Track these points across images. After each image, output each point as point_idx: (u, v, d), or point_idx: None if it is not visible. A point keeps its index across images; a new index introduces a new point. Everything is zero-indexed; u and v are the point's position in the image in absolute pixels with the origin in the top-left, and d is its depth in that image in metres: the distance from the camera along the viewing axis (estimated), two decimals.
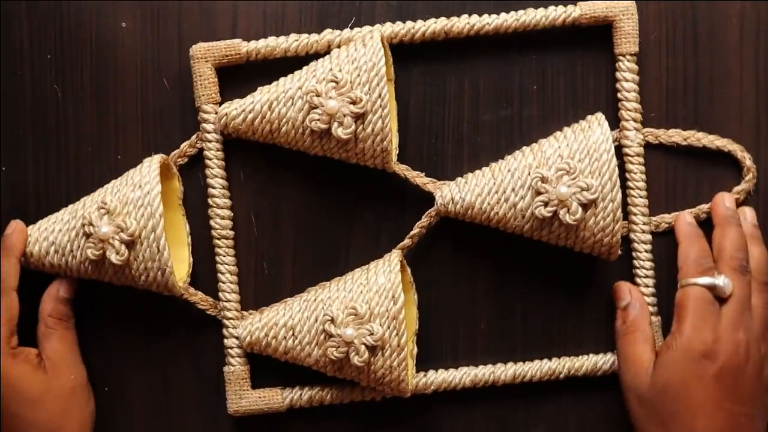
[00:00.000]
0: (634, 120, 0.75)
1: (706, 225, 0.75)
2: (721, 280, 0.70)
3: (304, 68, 0.72)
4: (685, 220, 0.74)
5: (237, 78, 0.75)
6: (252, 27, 0.75)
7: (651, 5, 0.75)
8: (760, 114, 0.76)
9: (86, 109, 0.76)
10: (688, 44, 0.76)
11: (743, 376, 0.68)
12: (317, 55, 0.74)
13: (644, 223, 0.75)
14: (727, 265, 0.70)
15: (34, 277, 0.73)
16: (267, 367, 0.75)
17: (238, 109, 0.72)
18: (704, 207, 0.75)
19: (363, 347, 0.70)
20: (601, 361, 0.75)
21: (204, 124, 0.74)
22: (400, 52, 0.74)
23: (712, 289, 0.70)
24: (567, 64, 0.76)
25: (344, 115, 0.70)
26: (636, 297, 0.74)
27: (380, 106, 0.70)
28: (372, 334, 0.70)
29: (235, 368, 0.75)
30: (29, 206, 0.74)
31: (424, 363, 0.76)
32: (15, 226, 0.72)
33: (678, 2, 0.76)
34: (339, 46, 0.73)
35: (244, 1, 0.75)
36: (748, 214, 0.74)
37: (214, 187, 0.75)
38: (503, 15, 0.74)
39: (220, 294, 0.75)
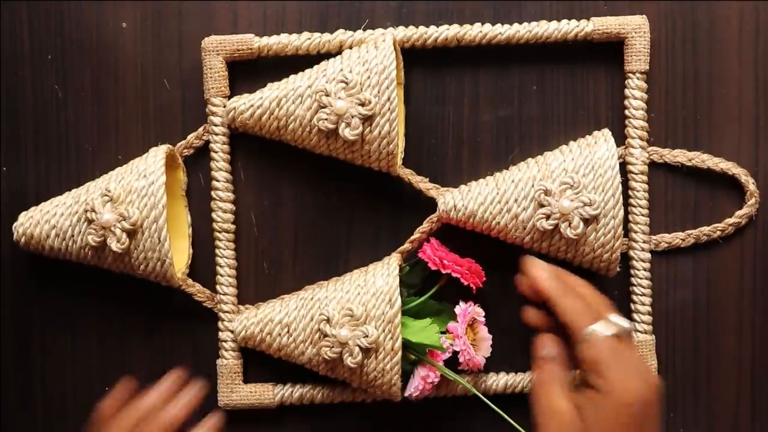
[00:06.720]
0: (640, 138, 0.75)
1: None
2: (620, 320, 0.65)
3: (315, 67, 0.72)
4: (543, 278, 0.68)
5: (247, 73, 0.75)
6: (252, 27, 0.75)
7: (651, 5, 0.76)
8: (759, 114, 0.76)
9: (86, 109, 0.76)
10: (687, 44, 0.76)
11: (654, 406, 0.64)
12: (328, 55, 0.74)
13: (644, 242, 0.75)
14: (605, 309, 0.66)
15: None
16: (260, 364, 0.75)
17: (246, 103, 0.72)
18: (705, 229, 0.76)
19: (357, 349, 0.70)
20: None
21: (212, 117, 0.74)
22: (401, 52, 0.74)
23: (617, 333, 0.64)
24: (566, 64, 0.76)
25: (352, 116, 0.70)
26: (555, 347, 0.67)
27: (389, 109, 0.70)
28: (367, 336, 0.70)
29: (228, 362, 0.75)
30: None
31: None
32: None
33: (678, 2, 0.76)
34: (351, 47, 0.73)
35: (244, 1, 0.75)
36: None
37: (217, 180, 0.75)
38: (516, 26, 0.74)
39: (218, 287, 0.75)
